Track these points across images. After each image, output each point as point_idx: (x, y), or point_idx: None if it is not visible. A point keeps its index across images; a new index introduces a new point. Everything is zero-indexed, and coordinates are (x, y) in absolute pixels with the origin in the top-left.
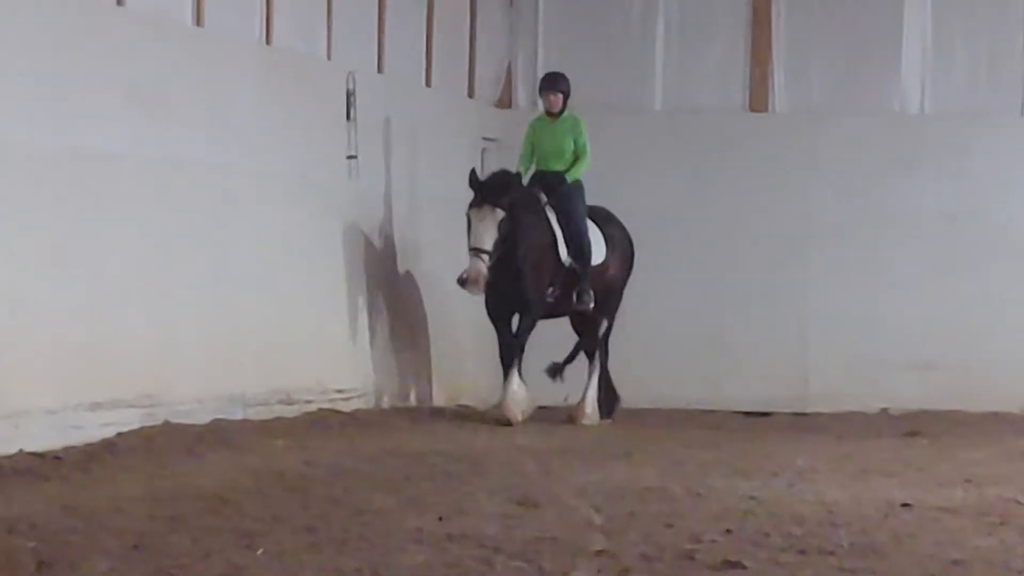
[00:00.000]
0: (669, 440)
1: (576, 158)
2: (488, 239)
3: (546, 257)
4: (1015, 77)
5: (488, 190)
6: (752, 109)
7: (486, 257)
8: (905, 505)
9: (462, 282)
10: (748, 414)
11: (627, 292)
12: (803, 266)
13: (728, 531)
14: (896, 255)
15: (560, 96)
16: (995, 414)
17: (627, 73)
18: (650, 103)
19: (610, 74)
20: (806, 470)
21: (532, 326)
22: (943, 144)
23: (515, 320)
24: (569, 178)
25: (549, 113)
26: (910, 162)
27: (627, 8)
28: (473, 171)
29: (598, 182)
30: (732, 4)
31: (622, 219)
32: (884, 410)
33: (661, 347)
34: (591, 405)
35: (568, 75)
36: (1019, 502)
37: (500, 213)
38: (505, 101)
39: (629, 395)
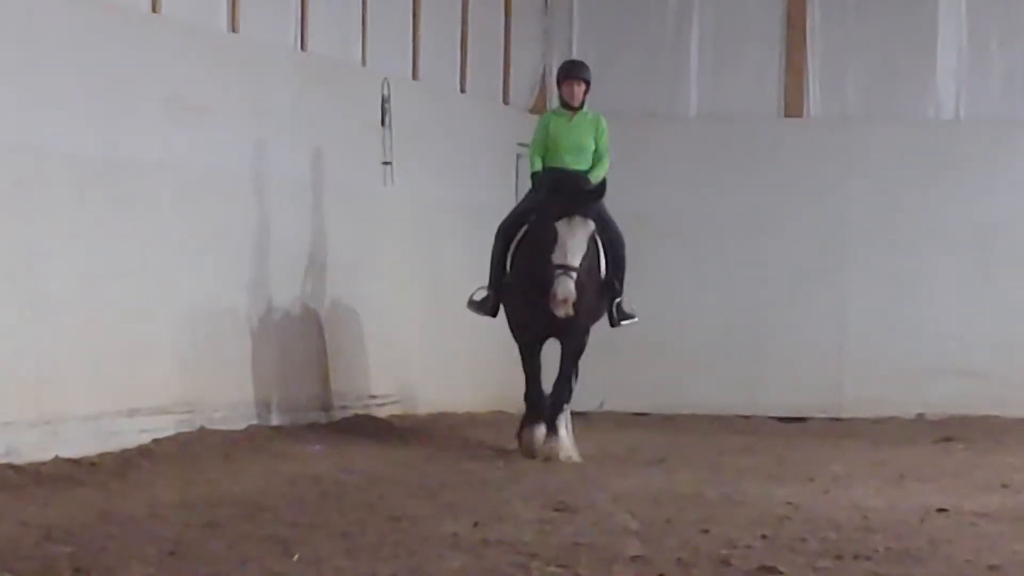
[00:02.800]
0: (704, 446)
1: (597, 159)
2: (579, 255)
3: (596, 275)
4: None
5: (581, 198)
6: (787, 115)
7: (575, 275)
8: (941, 510)
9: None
10: (783, 420)
11: (664, 296)
12: (839, 272)
13: (764, 536)
14: (932, 262)
15: (583, 86)
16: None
17: (662, 79)
18: (685, 109)
19: (645, 80)
20: (842, 476)
21: (579, 356)
22: (978, 151)
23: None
24: (593, 179)
25: (567, 106)
26: (946, 169)
27: (662, 14)
28: (554, 174)
29: (635, 188)
30: (767, 10)
31: (658, 225)
32: (920, 415)
33: (697, 352)
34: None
35: (603, 81)
36: None
37: (592, 225)
38: (540, 107)
39: (664, 400)
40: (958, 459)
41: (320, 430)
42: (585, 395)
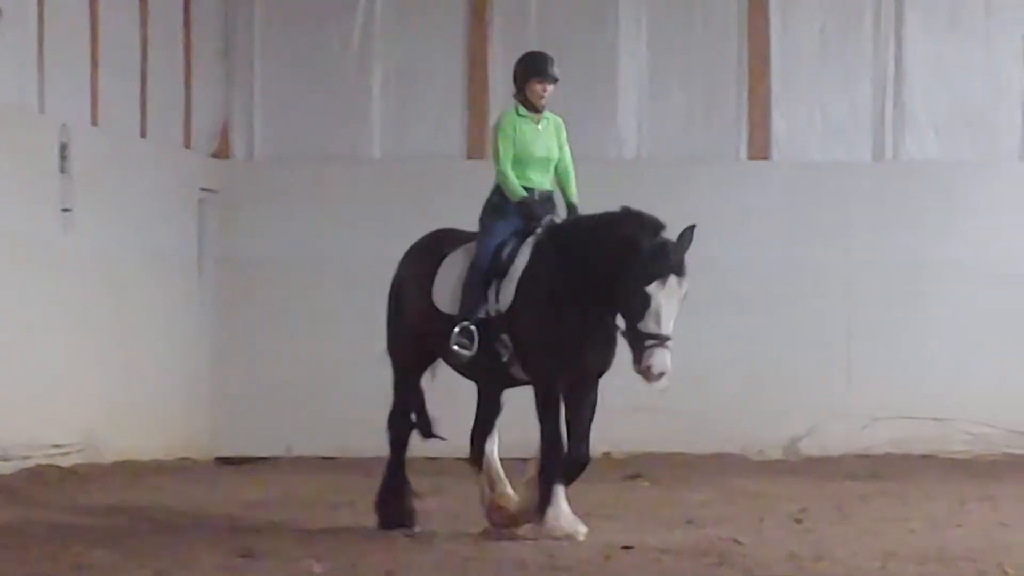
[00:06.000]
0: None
1: (564, 172)
2: (673, 322)
3: None
4: (731, 120)
5: (679, 254)
6: (470, 156)
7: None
8: (627, 547)
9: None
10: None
11: (346, 340)
12: None
13: None
14: None
15: (554, 86)
16: (717, 455)
17: (345, 122)
18: (368, 151)
19: (328, 123)
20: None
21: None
22: (660, 188)
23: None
24: (573, 198)
25: (530, 107)
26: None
27: (344, 57)
28: (649, 231)
29: (321, 229)
30: (449, 53)
31: (342, 267)
32: (606, 454)
33: (378, 394)
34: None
35: (285, 125)
36: (738, 542)
37: (687, 286)
38: (222, 152)
39: (354, 443)
40: (644, 496)
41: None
42: (272, 440)
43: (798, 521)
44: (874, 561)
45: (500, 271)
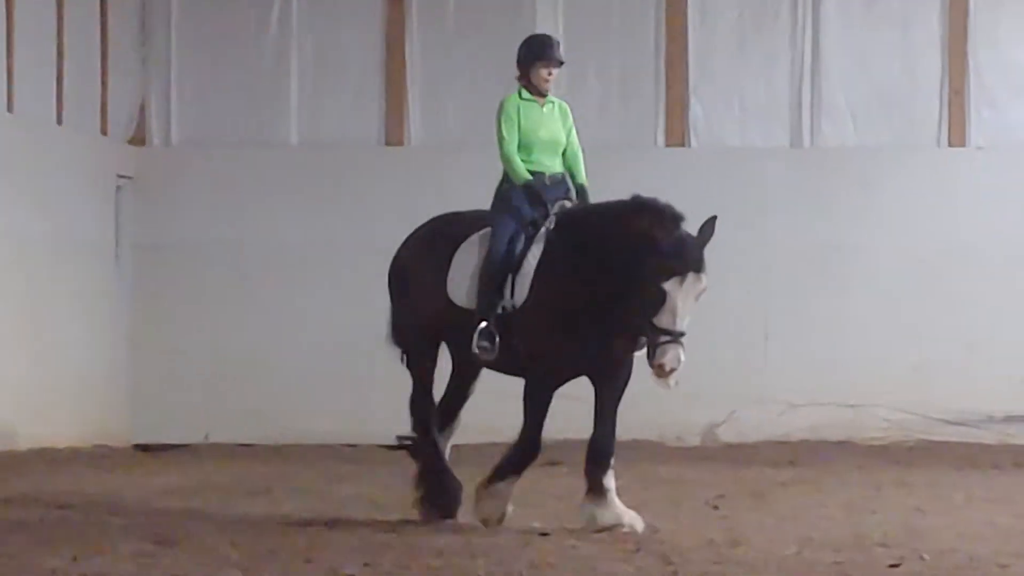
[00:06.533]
0: (310, 475)
1: (573, 157)
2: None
3: None
4: (648, 107)
5: (699, 249)
6: (388, 143)
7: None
8: (544, 534)
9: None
10: (391, 447)
11: (268, 325)
12: None
13: (367, 564)
14: None
15: (558, 70)
16: (635, 442)
17: (262, 107)
18: (285, 137)
19: (246, 109)
20: None
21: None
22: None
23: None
24: (582, 181)
25: (534, 91)
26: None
27: (261, 43)
28: (667, 224)
29: (236, 216)
30: (366, 39)
31: (258, 252)
32: None
33: (302, 381)
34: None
35: (202, 112)
36: (656, 528)
37: (706, 281)
38: (139, 138)
39: (271, 431)
40: (562, 483)
41: None
42: (189, 427)
43: (715, 507)
44: (790, 547)
45: (514, 265)
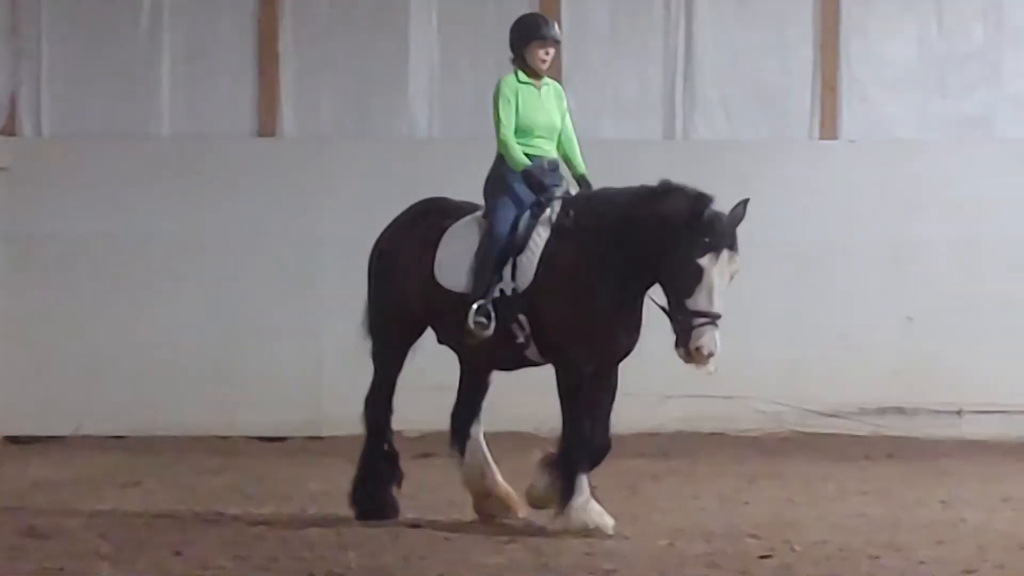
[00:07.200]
0: (181, 468)
1: (568, 142)
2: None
3: None
4: None
5: (733, 227)
6: (261, 134)
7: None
8: (415, 526)
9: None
10: (263, 439)
11: (141, 317)
12: (314, 289)
13: (238, 557)
14: None
15: (556, 48)
16: (510, 433)
17: (133, 99)
18: (157, 128)
19: (116, 100)
20: (319, 494)
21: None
22: (450, 167)
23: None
24: (582, 170)
25: (530, 72)
26: (418, 185)
27: (132, 33)
28: (701, 202)
29: (106, 208)
30: (238, 30)
31: (128, 245)
32: (398, 432)
33: (174, 373)
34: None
35: (74, 103)
36: (528, 521)
37: (739, 263)
38: (10, 129)
39: (142, 423)
40: (436, 475)
41: None
42: (61, 419)
43: None
44: (663, 539)
45: (517, 248)
